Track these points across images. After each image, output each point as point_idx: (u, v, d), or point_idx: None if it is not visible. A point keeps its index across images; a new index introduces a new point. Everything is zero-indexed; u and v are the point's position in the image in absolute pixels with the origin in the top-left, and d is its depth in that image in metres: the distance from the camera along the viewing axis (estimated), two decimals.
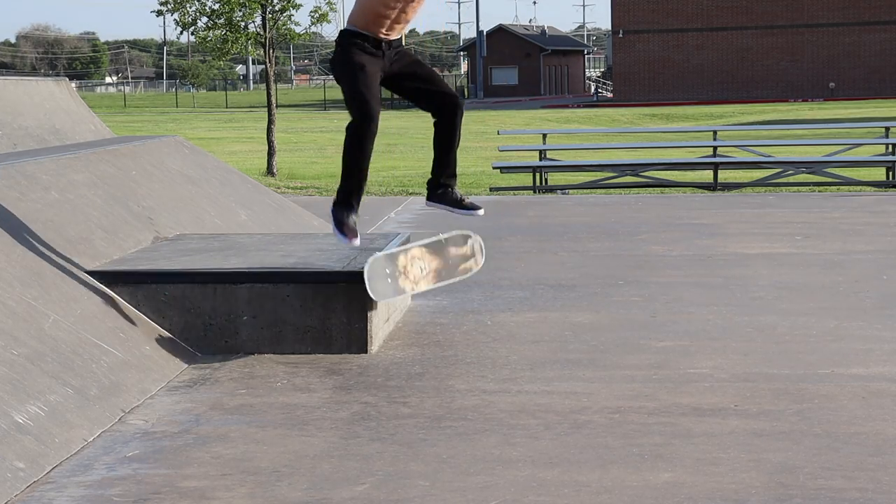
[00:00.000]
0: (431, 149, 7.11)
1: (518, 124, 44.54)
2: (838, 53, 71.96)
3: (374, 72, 6.70)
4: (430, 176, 7.18)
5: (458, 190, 7.16)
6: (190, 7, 22.91)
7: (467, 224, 8.67)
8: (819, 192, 18.00)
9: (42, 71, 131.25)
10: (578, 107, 66.99)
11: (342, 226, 6.86)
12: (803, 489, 4.64)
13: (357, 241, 6.86)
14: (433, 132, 6.99)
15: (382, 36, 6.70)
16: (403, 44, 7.00)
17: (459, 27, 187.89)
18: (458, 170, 7.21)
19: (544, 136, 22.51)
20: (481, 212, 7.05)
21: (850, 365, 6.63)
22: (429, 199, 7.22)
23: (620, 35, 74.52)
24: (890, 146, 20.32)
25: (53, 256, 7.05)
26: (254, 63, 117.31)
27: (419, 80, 6.90)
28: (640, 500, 4.55)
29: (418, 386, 6.28)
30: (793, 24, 72.13)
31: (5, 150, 9.65)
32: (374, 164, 26.30)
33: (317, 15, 23.58)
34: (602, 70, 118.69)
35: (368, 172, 6.90)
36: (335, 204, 6.90)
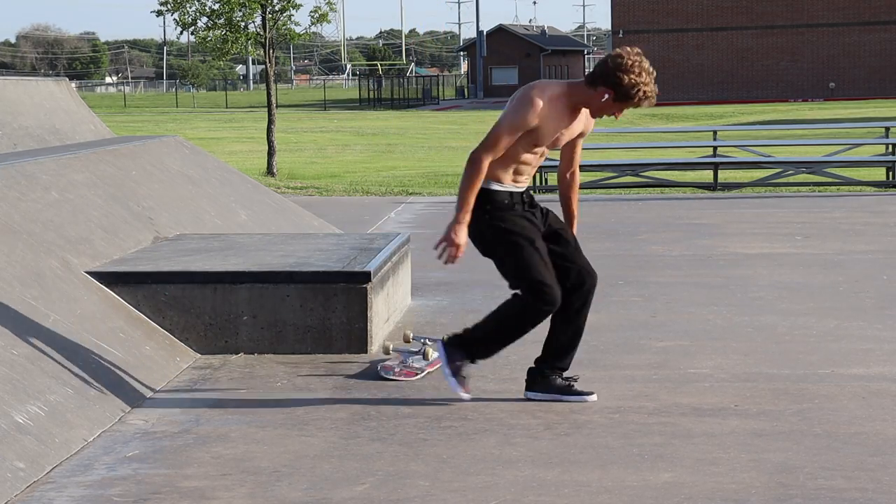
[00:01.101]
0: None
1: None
2: (838, 53, 71.94)
3: (538, 233, 5.89)
4: (538, 358, 6.11)
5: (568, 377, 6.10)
6: (190, 7, 22.91)
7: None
8: (819, 192, 18.00)
9: (42, 71, 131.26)
10: None
11: (457, 373, 5.94)
12: (803, 489, 4.64)
13: (468, 396, 5.96)
14: (561, 311, 5.95)
15: (521, 187, 5.95)
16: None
17: (459, 27, 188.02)
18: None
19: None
20: (594, 397, 5.99)
21: (850, 365, 6.63)
22: (529, 389, 6.07)
23: (620, 35, 74.49)
24: (890, 146, 20.31)
25: (53, 256, 7.05)
26: (254, 63, 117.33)
27: (562, 246, 5.97)
28: (640, 500, 4.55)
29: (418, 386, 6.28)
30: (793, 24, 72.11)
31: (5, 150, 9.65)
32: (374, 164, 26.38)
33: (317, 15, 23.58)
34: None
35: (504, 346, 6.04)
36: (458, 343, 5.98)
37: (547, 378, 6.00)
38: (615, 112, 5.79)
